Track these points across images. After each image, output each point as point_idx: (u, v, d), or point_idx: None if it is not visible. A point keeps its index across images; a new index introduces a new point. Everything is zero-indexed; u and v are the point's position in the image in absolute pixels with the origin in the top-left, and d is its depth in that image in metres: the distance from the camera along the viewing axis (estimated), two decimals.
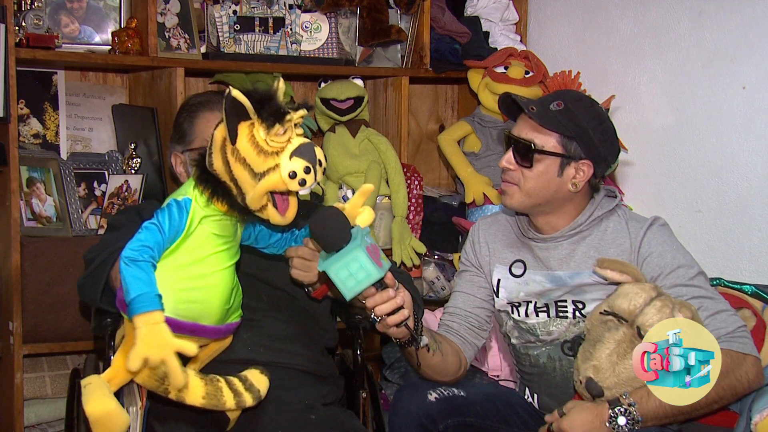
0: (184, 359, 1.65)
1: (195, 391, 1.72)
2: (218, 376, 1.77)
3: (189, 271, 1.70)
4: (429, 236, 3.25)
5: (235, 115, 1.60)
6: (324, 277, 1.81)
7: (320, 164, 1.63)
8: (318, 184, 3.04)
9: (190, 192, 1.70)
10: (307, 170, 1.60)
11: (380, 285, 1.78)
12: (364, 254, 1.71)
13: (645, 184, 3.08)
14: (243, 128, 1.61)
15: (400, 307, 1.81)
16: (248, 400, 1.77)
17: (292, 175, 1.60)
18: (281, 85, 1.66)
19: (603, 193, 2.18)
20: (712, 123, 2.86)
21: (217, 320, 1.76)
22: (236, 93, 1.58)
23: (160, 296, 1.60)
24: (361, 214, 1.80)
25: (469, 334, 2.22)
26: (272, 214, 1.66)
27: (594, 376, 1.93)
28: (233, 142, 1.61)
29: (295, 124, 1.63)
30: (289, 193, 1.66)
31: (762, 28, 2.73)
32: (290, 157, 1.60)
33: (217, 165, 1.65)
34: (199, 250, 1.70)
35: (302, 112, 1.64)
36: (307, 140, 1.63)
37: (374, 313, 1.81)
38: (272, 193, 1.64)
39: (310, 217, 1.78)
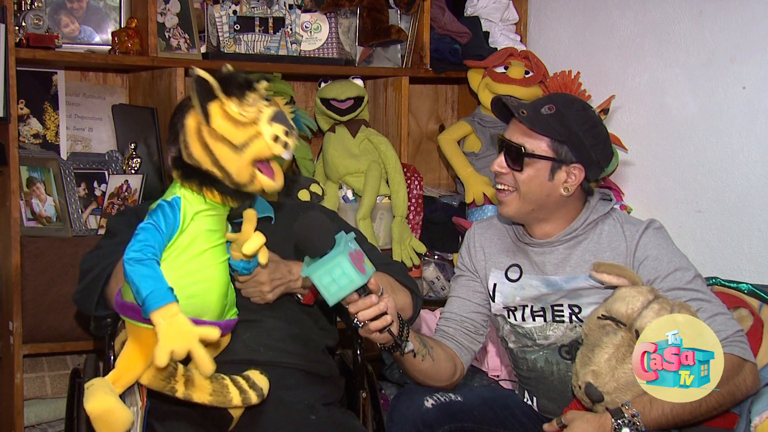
0: (186, 359, 1.65)
1: (202, 389, 1.74)
2: (222, 375, 1.79)
3: (187, 267, 1.71)
4: (429, 236, 3.25)
5: (205, 96, 1.62)
6: (309, 282, 1.82)
7: (293, 129, 1.66)
8: (317, 184, 3.04)
9: (177, 191, 1.72)
10: (286, 133, 1.63)
11: (364, 291, 1.79)
12: (347, 260, 1.73)
13: (645, 184, 3.07)
14: (213, 108, 1.62)
15: (384, 313, 1.82)
16: (253, 398, 1.81)
17: (276, 139, 1.62)
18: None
19: (598, 196, 2.17)
20: (712, 123, 2.86)
21: (217, 315, 1.77)
22: (202, 72, 1.60)
23: (171, 289, 1.61)
24: (248, 241, 1.81)
25: (465, 339, 2.21)
26: (264, 182, 1.67)
27: (593, 381, 1.91)
28: (208, 122, 1.62)
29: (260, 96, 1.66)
30: (268, 160, 1.68)
31: (762, 28, 2.73)
32: (269, 123, 1.63)
33: (196, 152, 1.66)
34: (195, 246, 1.71)
35: (264, 83, 1.66)
36: (276, 108, 1.66)
37: (357, 318, 1.82)
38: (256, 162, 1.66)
39: (295, 222, 1.79)
